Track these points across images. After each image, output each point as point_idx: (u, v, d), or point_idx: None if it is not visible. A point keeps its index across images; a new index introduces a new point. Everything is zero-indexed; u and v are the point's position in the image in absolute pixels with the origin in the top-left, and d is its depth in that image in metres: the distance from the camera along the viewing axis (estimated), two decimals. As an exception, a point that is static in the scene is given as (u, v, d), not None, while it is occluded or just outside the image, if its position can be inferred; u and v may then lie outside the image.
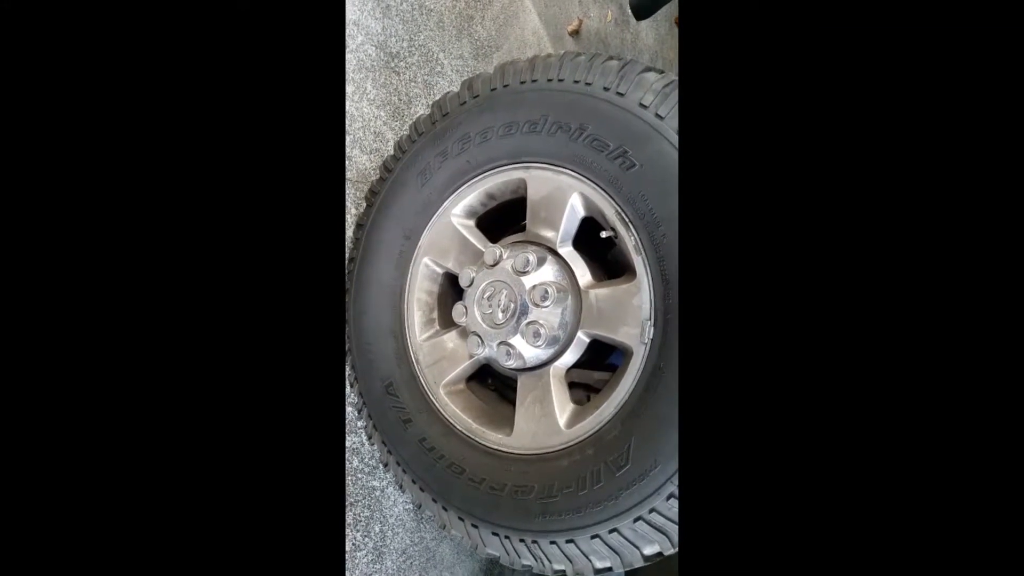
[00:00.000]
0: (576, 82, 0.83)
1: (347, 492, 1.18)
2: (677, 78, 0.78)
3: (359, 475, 1.20)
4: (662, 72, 0.80)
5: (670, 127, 0.74)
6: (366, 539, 1.21)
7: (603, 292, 0.84)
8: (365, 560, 1.20)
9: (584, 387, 0.93)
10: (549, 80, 0.86)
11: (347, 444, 1.18)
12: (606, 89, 0.80)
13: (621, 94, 0.78)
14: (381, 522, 1.25)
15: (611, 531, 0.72)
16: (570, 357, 0.88)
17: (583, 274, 0.88)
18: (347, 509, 1.18)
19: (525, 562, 0.81)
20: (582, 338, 0.87)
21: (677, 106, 0.74)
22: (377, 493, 1.24)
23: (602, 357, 0.99)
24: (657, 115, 0.75)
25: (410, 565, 1.33)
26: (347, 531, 1.17)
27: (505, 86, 0.91)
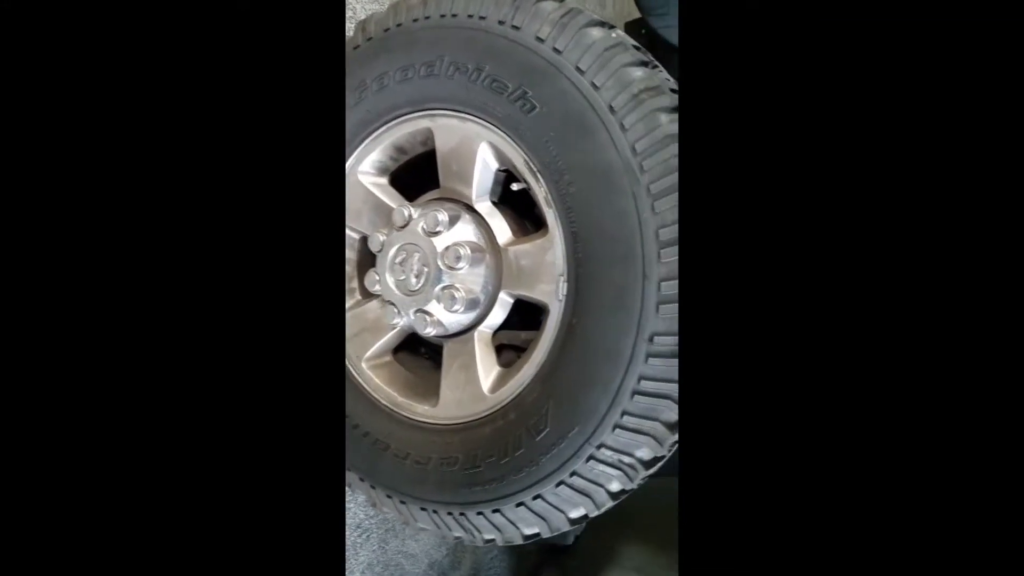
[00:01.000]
0: (470, 16, 0.74)
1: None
2: (577, 7, 0.70)
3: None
4: (561, 0, 0.71)
5: (569, 62, 0.66)
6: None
7: (520, 249, 0.79)
8: None
9: (516, 349, 0.89)
10: (443, 16, 0.77)
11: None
12: (501, 23, 0.71)
13: (517, 27, 0.70)
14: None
15: (535, 497, 0.69)
16: (495, 319, 0.83)
17: (503, 231, 0.82)
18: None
19: (456, 534, 0.79)
20: (505, 298, 0.82)
21: (577, 37, 0.67)
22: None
23: (535, 315, 0.94)
24: (555, 49, 0.67)
25: (368, 539, 1.31)
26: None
27: (399, 25, 0.82)
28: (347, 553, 1.26)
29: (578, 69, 0.66)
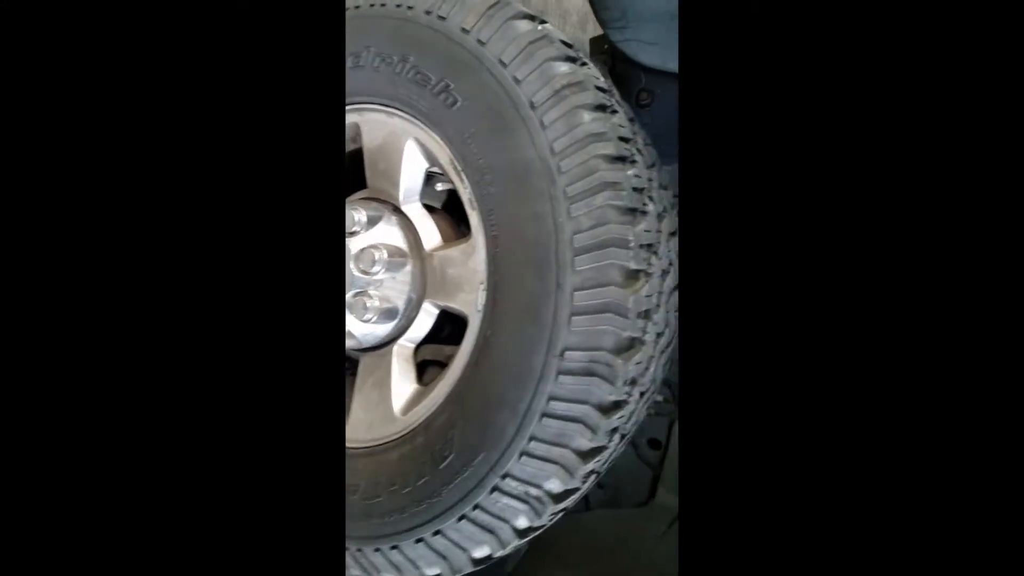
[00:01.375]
0: (399, 6, 0.70)
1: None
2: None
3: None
4: (493, -9, 0.67)
5: (492, 54, 0.62)
6: None
7: (444, 255, 0.73)
8: None
9: (440, 364, 0.82)
10: (372, 5, 0.73)
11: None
12: (428, 13, 0.67)
13: (443, 18, 0.66)
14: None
15: (435, 533, 0.61)
16: (418, 331, 0.76)
17: (431, 236, 0.76)
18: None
19: (353, 572, 0.70)
20: (430, 308, 0.75)
21: (501, 28, 0.62)
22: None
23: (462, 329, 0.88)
24: (479, 40, 0.63)
25: None
26: None
27: (328, 15, 0.77)
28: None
29: (500, 62, 0.61)
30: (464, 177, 0.67)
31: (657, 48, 0.87)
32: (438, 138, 0.69)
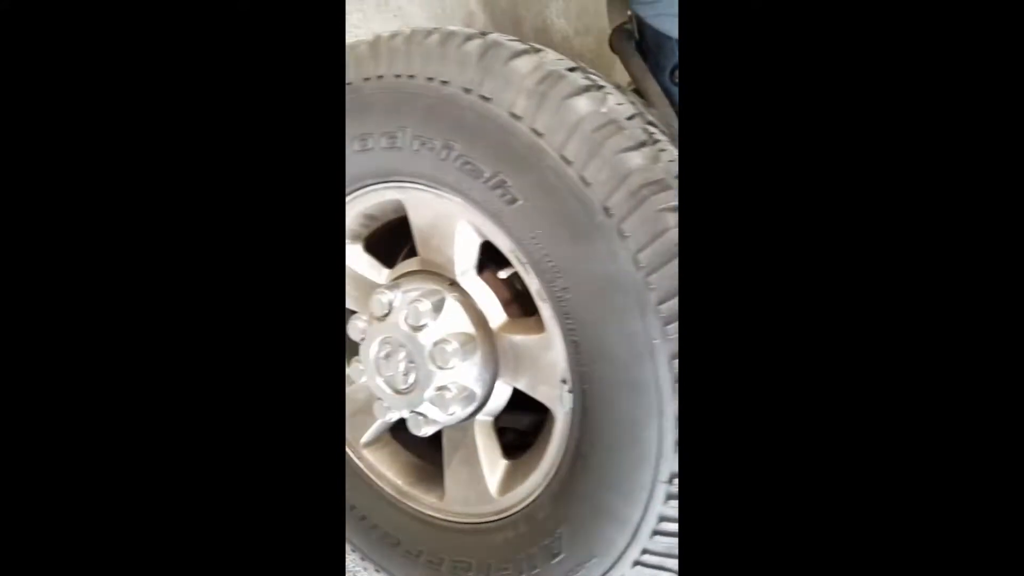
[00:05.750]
0: (431, 80, 0.61)
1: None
2: (558, 68, 0.56)
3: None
4: (538, 51, 0.57)
5: (552, 148, 0.54)
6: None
7: (516, 340, 0.69)
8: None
9: (516, 432, 0.82)
10: (397, 76, 0.64)
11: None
12: (467, 91, 0.58)
13: (487, 98, 0.57)
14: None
15: (554, 622, 0.65)
16: (495, 405, 0.76)
17: (494, 312, 0.72)
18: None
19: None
20: (503, 386, 0.74)
21: (559, 113, 0.54)
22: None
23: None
24: (534, 131, 0.55)
25: None
26: None
27: (348, 84, 0.69)
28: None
29: (564, 159, 0.54)
30: (531, 270, 0.62)
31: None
32: (497, 228, 0.63)
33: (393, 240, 0.89)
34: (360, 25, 1.19)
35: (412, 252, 0.91)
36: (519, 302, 0.75)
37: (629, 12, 1.05)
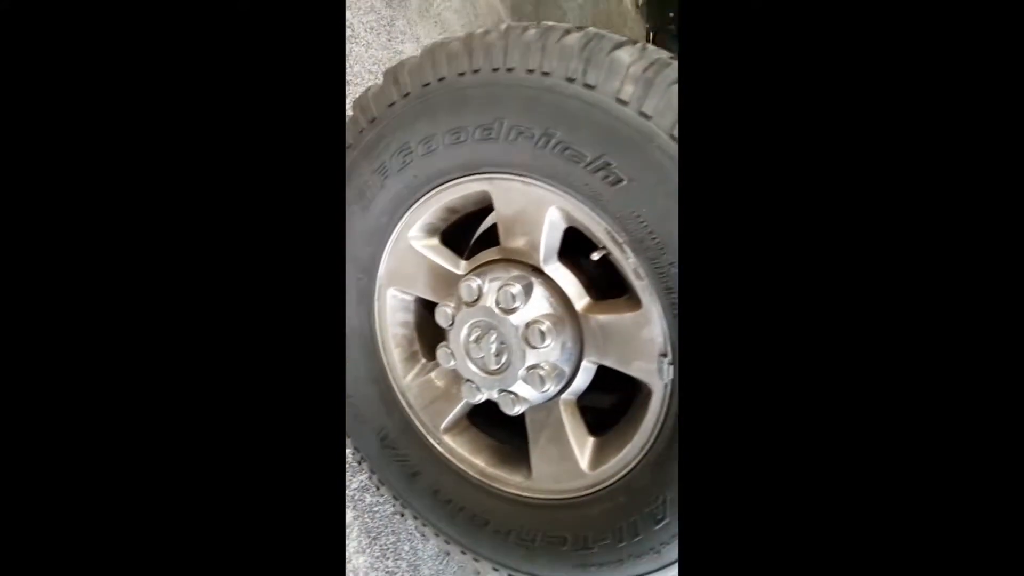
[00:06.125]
0: (530, 71, 0.65)
1: (368, 527, 1.14)
2: (661, 56, 0.60)
3: (375, 508, 1.16)
4: (639, 45, 0.62)
5: (661, 129, 0.58)
6: (399, 562, 1.19)
7: (606, 320, 0.73)
8: (403, 581, 1.20)
9: (594, 410, 0.85)
10: (495, 69, 0.67)
11: (357, 483, 1.12)
12: (570, 80, 0.62)
13: (591, 86, 0.61)
14: (409, 540, 1.23)
15: (658, 583, 0.68)
16: (580, 385, 0.79)
17: (577, 295, 0.76)
18: (372, 541, 1.14)
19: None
20: (588, 365, 0.77)
21: (667, 97, 0.58)
22: (397, 518, 1.21)
23: (614, 376, 0.90)
24: (642, 114, 0.58)
25: (448, 563, 1.34)
26: (378, 562, 1.15)
27: (440, 80, 0.72)
28: (435, 581, 1.29)
29: (672, 138, 0.57)
30: (628, 250, 0.65)
31: None
32: (590, 211, 0.66)
33: (460, 234, 0.93)
34: (405, 31, 1.23)
35: (480, 245, 0.95)
36: (598, 286, 0.78)
37: (672, 13, 1.10)
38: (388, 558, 1.17)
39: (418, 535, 1.26)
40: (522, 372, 0.75)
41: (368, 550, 1.12)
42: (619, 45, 0.61)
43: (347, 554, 1.08)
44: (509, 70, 0.66)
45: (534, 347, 0.73)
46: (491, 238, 0.99)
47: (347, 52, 1.21)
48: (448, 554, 0.89)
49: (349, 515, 1.10)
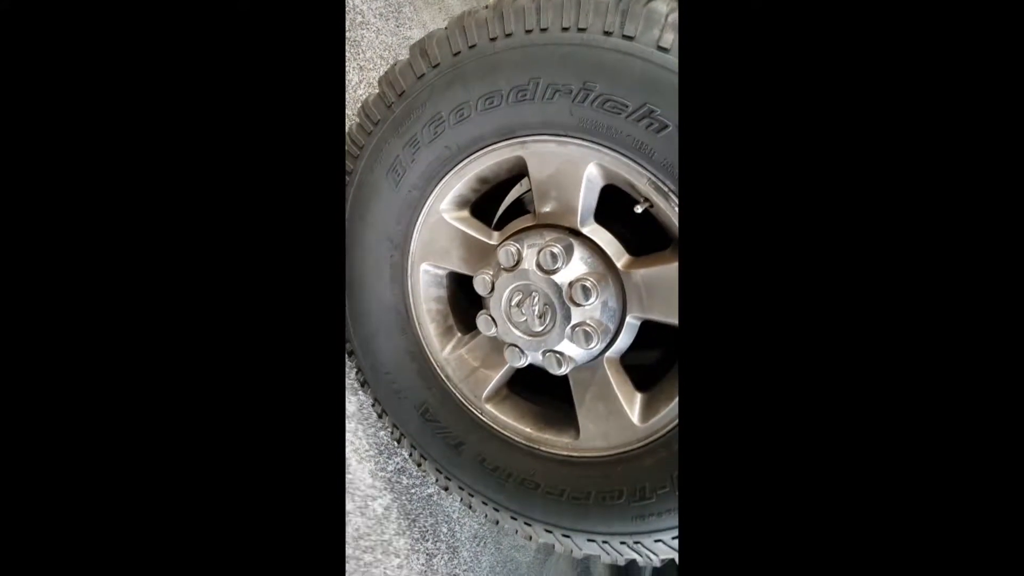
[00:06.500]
0: (565, 29, 0.66)
1: (407, 509, 1.14)
2: None
3: (412, 490, 1.16)
4: (673, -4, 0.63)
5: (706, 73, 0.59)
6: (438, 543, 1.20)
7: (649, 272, 0.74)
8: (443, 562, 1.20)
9: (638, 368, 0.86)
10: (528, 31, 0.68)
11: (392, 465, 1.12)
12: (607, 33, 0.63)
13: (630, 37, 0.62)
14: (447, 522, 1.23)
15: (721, 524, 0.69)
16: (624, 343, 0.80)
17: (617, 252, 0.77)
18: (412, 524, 1.15)
19: (628, 557, 0.79)
20: (632, 322, 0.78)
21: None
22: (435, 498, 1.21)
23: (653, 333, 0.91)
24: (685, 59, 0.60)
25: (484, 545, 1.34)
26: (418, 544, 1.15)
27: (472, 47, 0.73)
28: (471, 563, 1.29)
29: (716, 81, 0.59)
30: (674, 196, 0.67)
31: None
32: (633, 163, 0.68)
33: (488, 206, 0.94)
34: (412, 17, 1.23)
35: (508, 216, 0.96)
36: (635, 244, 0.79)
37: None
38: (427, 540, 1.17)
39: (461, 510, 1.26)
40: (567, 331, 0.76)
41: (408, 532, 1.13)
42: (654, -3, 0.62)
43: (388, 536, 1.08)
44: (543, 30, 0.67)
45: (579, 304, 0.75)
46: (518, 209, 1.00)
47: (359, 39, 1.21)
48: (497, 523, 0.90)
49: (388, 498, 1.10)
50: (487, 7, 0.73)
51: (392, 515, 1.10)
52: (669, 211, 0.68)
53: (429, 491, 1.20)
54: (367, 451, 1.07)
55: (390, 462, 1.12)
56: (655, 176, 0.67)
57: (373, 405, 0.99)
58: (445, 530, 1.22)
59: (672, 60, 0.61)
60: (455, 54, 0.74)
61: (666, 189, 0.67)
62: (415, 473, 1.17)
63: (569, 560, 1.66)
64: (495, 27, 0.71)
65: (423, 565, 1.14)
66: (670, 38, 0.60)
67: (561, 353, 0.78)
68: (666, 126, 0.63)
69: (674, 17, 0.61)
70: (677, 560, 0.76)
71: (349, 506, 0.97)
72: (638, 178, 0.69)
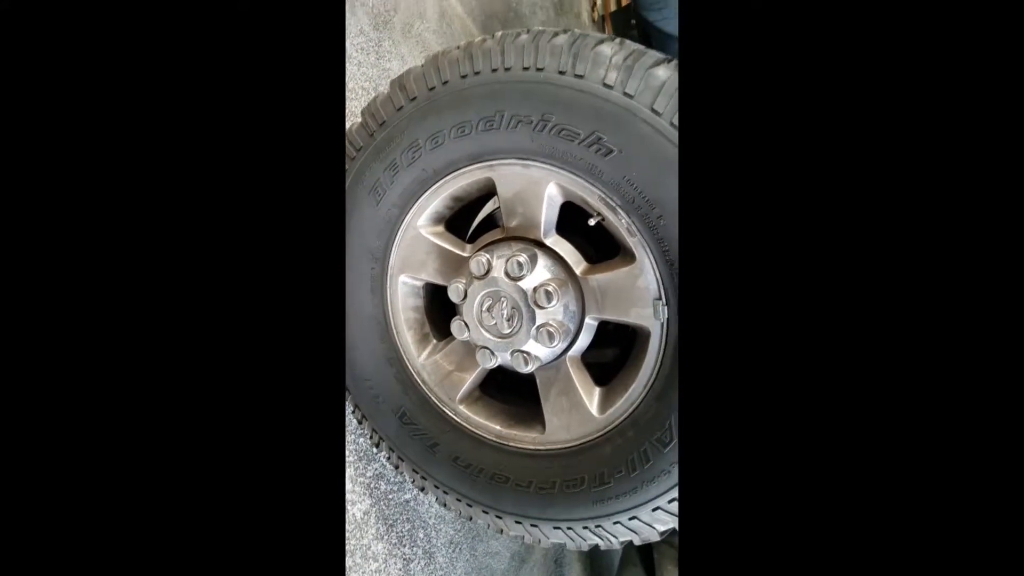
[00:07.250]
0: (526, 68, 0.77)
1: (384, 514, 1.18)
2: (636, 47, 0.73)
3: (390, 496, 1.21)
4: (617, 40, 0.75)
5: (642, 105, 0.70)
6: (415, 549, 1.24)
7: (604, 277, 0.84)
8: (420, 567, 1.24)
9: (596, 366, 0.95)
10: (494, 70, 0.79)
11: (371, 471, 1.17)
12: (561, 72, 0.74)
13: (580, 76, 0.73)
14: (423, 527, 1.28)
15: (671, 501, 0.77)
16: (584, 343, 0.89)
17: (576, 260, 0.87)
18: (389, 529, 1.19)
19: (591, 543, 0.86)
20: (590, 323, 0.87)
21: (646, 79, 0.71)
22: (412, 504, 1.25)
23: (612, 333, 1.00)
24: (626, 94, 0.71)
25: (460, 551, 1.38)
26: (395, 549, 1.19)
27: (445, 83, 0.83)
28: (447, 568, 1.33)
29: (654, 111, 0.70)
30: (620, 211, 0.77)
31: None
32: (585, 182, 0.78)
33: (461, 222, 1.03)
34: (391, 50, 1.34)
35: (479, 230, 1.05)
36: (591, 254, 0.89)
37: (633, 21, 1.28)
38: (404, 545, 1.21)
39: (437, 516, 1.30)
40: (533, 331, 0.84)
41: (386, 537, 1.17)
42: (600, 41, 0.74)
43: (366, 541, 1.12)
44: (507, 69, 0.78)
45: (542, 307, 0.83)
46: (489, 223, 1.10)
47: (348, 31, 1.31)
48: (471, 518, 0.96)
49: (367, 503, 1.14)
50: (459, 47, 0.83)
51: (371, 520, 1.14)
52: (617, 223, 0.78)
53: (406, 497, 1.24)
54: (346, 458, 1.12)
55: (369, 468, 1.17)
56: (604, 193, 0.77)
57: (353, 412, 1.05)
58: (422, 535, 1.26)
59: (616, 95, 0.72)
60: (430, 89, 0.84)
61: (614, 204, 0.77)
62: (393, 479, 1.22)
63: (543, 567, 1.70)
64: (465, 66, 0.81)
65: (400, 570, 1.18)
66: (614, 76, 0.72)
67: (528, 352, 0.86)
68: (611, 150, 0.74)
69: (618, 58, 0.72)
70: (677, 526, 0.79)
71: (329, 508, 1.02)
72: (591, 195, 0.79)
